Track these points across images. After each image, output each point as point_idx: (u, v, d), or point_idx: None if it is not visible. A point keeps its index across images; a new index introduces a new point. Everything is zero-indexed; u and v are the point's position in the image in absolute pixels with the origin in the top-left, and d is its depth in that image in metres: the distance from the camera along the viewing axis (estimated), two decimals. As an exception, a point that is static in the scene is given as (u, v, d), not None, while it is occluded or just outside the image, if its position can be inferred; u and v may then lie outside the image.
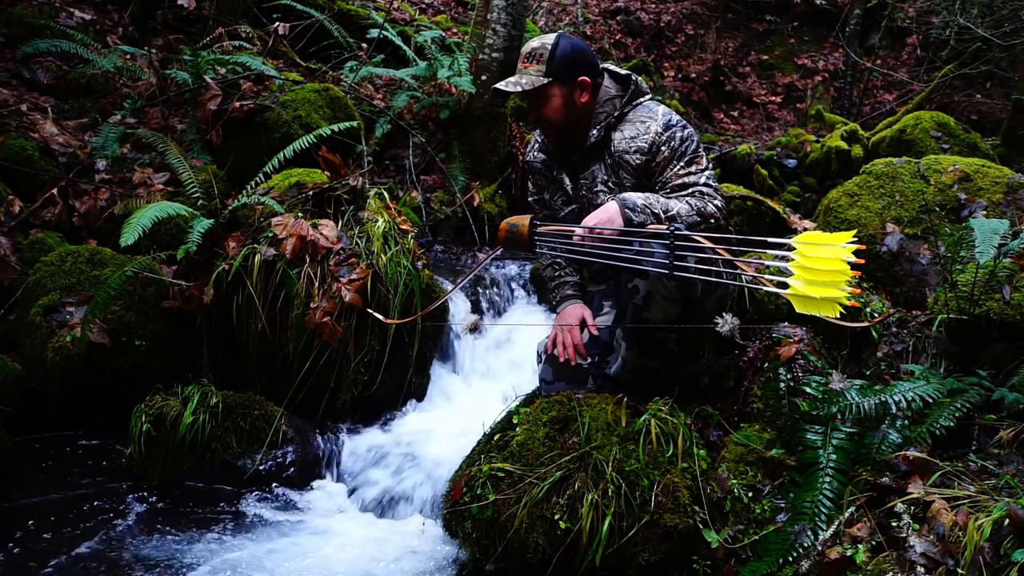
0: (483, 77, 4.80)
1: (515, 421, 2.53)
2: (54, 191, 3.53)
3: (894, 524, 1.97)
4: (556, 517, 2.26)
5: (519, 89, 2.53)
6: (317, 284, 3.08)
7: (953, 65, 7.11)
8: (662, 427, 2.36)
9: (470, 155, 4.89)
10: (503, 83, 2.57)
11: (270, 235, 3.15)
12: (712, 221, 2.43)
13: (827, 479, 2.20)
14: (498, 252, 2.88)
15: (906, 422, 2.25)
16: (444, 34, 5.92)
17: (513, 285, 4.02)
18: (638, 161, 2.55)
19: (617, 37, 9.24)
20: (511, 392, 2.97)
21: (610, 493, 2.25)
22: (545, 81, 2.52)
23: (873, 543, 1.98)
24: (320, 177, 3.48)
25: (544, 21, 9.08)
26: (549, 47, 2.53)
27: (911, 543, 1.89)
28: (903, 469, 2.13)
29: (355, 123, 4.03)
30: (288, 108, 4.12)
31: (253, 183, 3.41)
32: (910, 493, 2.01)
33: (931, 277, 2.84)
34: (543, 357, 2.79)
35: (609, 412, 2.43)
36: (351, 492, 2.93)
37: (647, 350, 2.52)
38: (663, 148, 2.51)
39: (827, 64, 9.14)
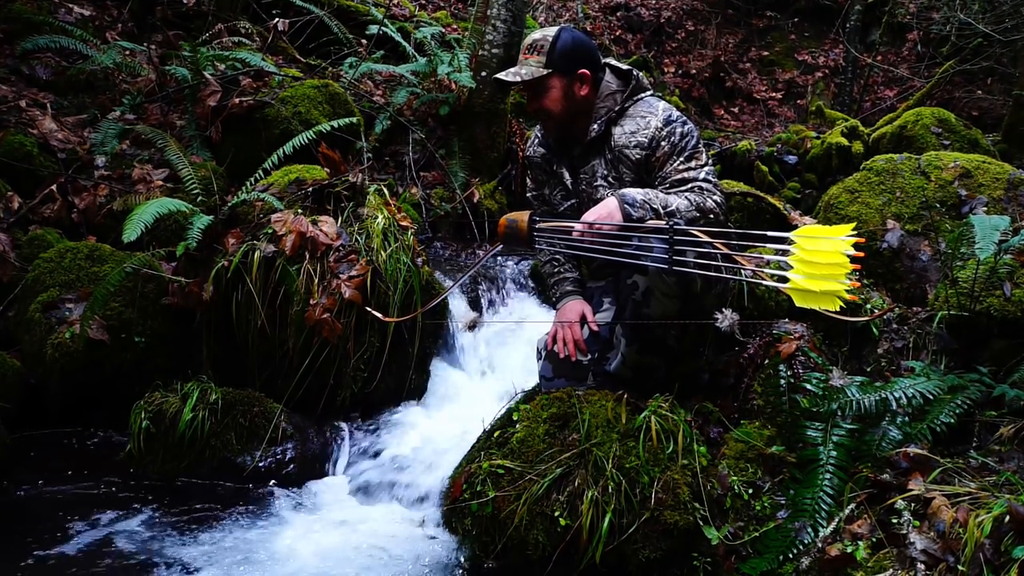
0: (483, 73, 4.78)
1: (515, 418, 2.53)
2: (53, 187, 3.53)
3: (894, 521, 1.97)
4: (556, 514, 2.26)
5: (518, 79, 2.53)
6: (317, 281, 3.08)
7: (954, 61, 7.09)
8: (662, 424, 2.36)
9: (470, 151, 4.88)
10: (503, 73, 2.59)
11: (270, 231, 3.15)
12: (711, 217, 2.43)
13: (827, 476, 2.20)
14: (498, 248, 2.87)
15: (907, 419, 2.25)
16: (444, 30, 5.90)
17: (512, 282, 4.01)
18: (638, 156, 2.54)
19: (617, 33, 9.22)
20: (511, 389, 2.97)
21: (610, 490, 2.25)
22: (545, 72, 2.52)
23: (873, 540, 1.98)
24: (320, 173, 3.48)
25: (544, 17, 9.06)
26: (550, 39, 2.53)
27: (911, 540, 1.89)
28: (903, 466, 2.13)
29: (355, 119, 4.02)
30: (288, 104, 4.12)
31: (253, 179, 3.40)
32: (911, 490, 2.01)
33: (932, 273, 2.84)
34: (543, 354, 2.79)
35: (609, 409, 2.42)
36: (351, 489, 2.93)
37: (647, 347, 2.52)
38: (663, 143, 2.51)
39: (827, 60, 9.12)
